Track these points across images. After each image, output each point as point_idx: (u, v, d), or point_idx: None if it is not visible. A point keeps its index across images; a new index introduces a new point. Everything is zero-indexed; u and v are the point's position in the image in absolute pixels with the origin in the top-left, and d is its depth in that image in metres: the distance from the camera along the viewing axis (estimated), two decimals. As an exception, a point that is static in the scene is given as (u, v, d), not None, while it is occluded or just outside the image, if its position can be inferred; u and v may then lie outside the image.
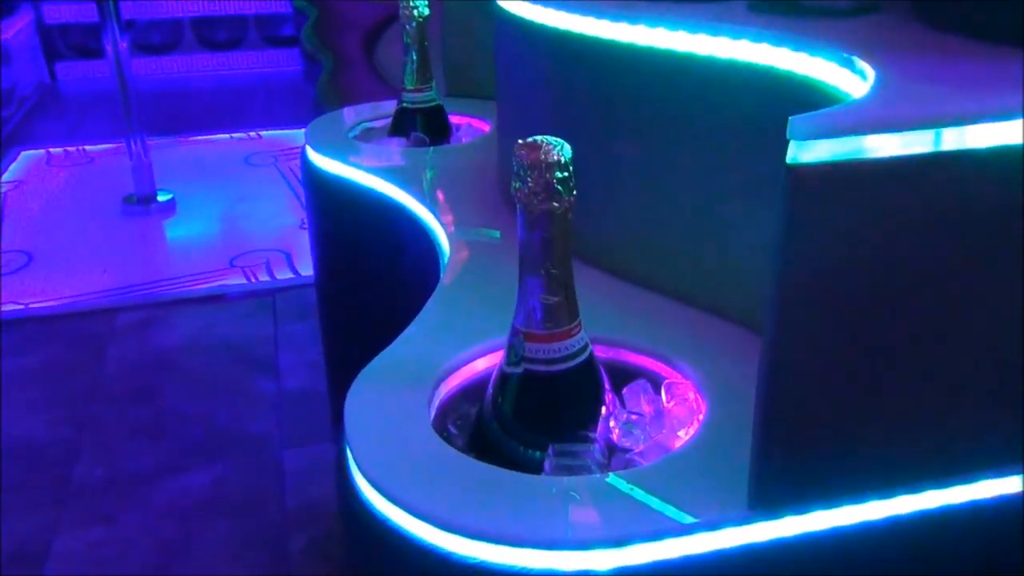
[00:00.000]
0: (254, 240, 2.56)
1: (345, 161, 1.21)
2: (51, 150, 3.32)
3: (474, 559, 0.58)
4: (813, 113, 0.48)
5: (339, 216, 1.25)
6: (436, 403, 0.73)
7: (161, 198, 2.80)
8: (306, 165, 1.28)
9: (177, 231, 2.66)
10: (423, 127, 1.28)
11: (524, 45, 0.94)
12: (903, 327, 0.51)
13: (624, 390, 0.71)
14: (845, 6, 0.73)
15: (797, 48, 0.65)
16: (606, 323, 0.75)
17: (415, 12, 1.24)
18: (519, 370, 0.66)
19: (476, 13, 1.34)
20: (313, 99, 2.08)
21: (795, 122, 0.47)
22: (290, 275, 2.35)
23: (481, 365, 0.76)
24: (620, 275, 0.84)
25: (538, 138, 0.61)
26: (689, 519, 0.57)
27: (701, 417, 0.68)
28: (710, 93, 0.73)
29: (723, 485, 0.60)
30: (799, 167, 0.47)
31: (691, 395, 0.71)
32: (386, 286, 1.20)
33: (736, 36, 0.70)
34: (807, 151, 0.47)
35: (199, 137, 3.42)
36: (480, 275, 0.91)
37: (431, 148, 1.26)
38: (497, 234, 1.02)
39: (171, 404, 1.86)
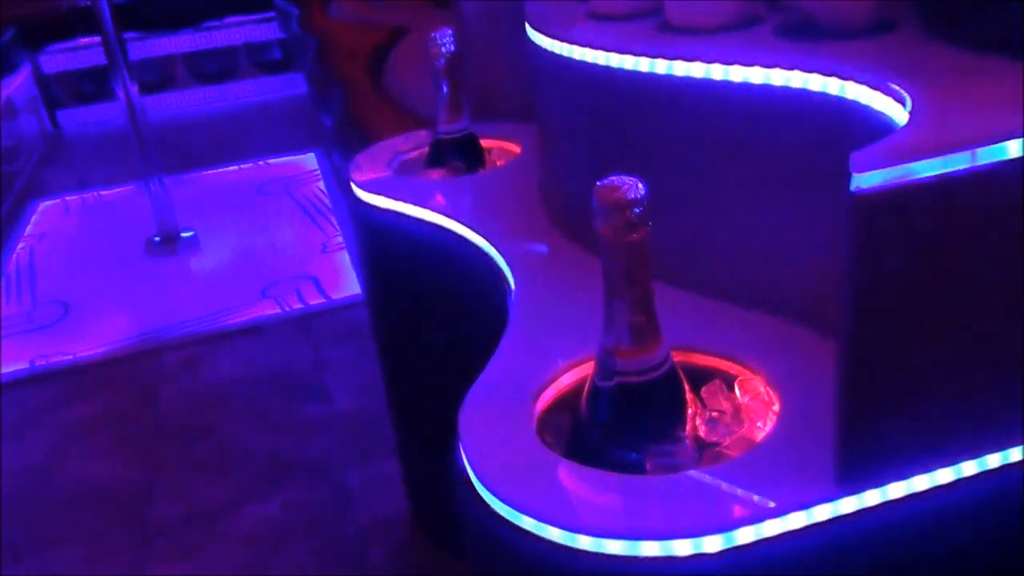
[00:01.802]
0: (280, 269, 2.64)
1: (392, 196, 1.29)
2: (67, 199, 3.40)
3: (599, 553, 0.66)
4: (869, 147, 0.56)
5: (390, 247, 1.33)
6: (534, 416, 0.81)
7: (184, 236, 2.88)
8: (353, 202, 1.35)
9: (204, 267, 2.74)
10: (460, 156, 1.36)
11: (562, 79, 1.02)
12: (959, 320, 0.60)
13: (703, 390, 0.79)
14: (863, 26, 0.81)
15: (829, 72, 0.74)
16: (675, 330, 0.83)
17: (444, 49, 1.32)
18: (612, 383, 0.74)
19: (497, 43, 1.42)
20: (332, 130, 2.15)
21: (856, 157, 0.55)
22: (321, 299, 2.43)
23: (567, 380, 0.85)
24: (681, 285, 0.92)
25: (614, 179, 0.70)
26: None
27: (775, 409, 0.77)
28: (751, 117, 0.81)
29: (807, 469, 0.68)
30: (861, 195, 0.55)
31: (762, 389, 0.79)
32: (442, 308, 1.28)
33: (769, 64, 0.78)
34: (868, 181, 0.55)
35: (209, 171, 3.50)
36: (547, 296, 0.99)
37: (470, 175, 1.34)
38: (545, 248, 1.11)
39: (231, 437, 1.94)
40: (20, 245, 3.01)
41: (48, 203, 3.38)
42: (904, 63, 0.73)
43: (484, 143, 1.45)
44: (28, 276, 2.77)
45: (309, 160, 3.48)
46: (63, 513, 1.77)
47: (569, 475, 0.73)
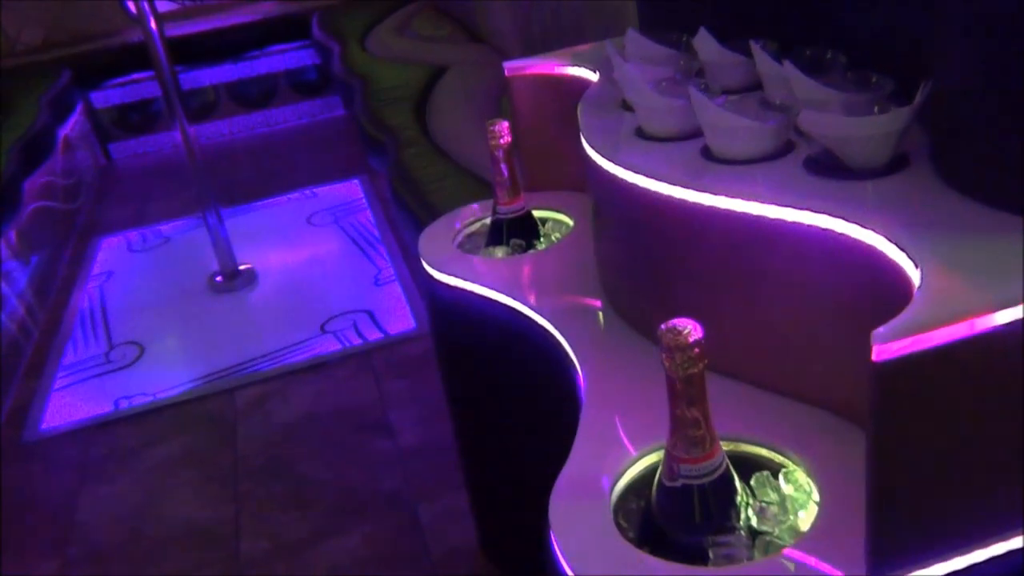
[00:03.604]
0: (336, 302, 2.80)
1: (460, 275, 1.44)
2: (128, 234, 3.58)
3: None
4: (890, 323, 0.70)
5: (459, 320, 1.48)
6: (611, 503, 0.96)
7: (242, 269, 3.04)
8: (424, 278, 1.50)
9: (264, 303, 2.91)
10: (519, 234, 1.51)
11: (613, 192, 1.16)
12: (967, 459, 0.74)
13: (752, 481, 0.94)
14: (882, 165, 0.94)
15: (853, 220, 0.87)
16: (728, 418, 0.97)
17: (501, 141, 1.46)
18: (678, 484, 0.89)
19: (547, 133, 1.56)
20: (389, 183, 2.30)
21: (877, 334, 0.69)
22: (379, 334, 2.59)
23: (638, 470, 0.99)
24: (733, 376, 1.07)
25: (676, 324, 0.84)
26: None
27: (815, 499, 0.91)
28: (786, 246, 0.95)
29: (846, 559, 0.83)
30: (883, 363, 0.69)
31: (804, 480, 0.93)
32: (509, 374, 1.44)
33: (800, 206, 0.92)
34: (888, 350, 0.69)
35: (259, 201, 3.66)
36: (613, 380, 1.13)
37: (529, 252, 1.49)
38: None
39: (306, 473, 2.11)
40: (90, 284, 3.19)
41: (110, 239, 3.56)
42: (917, 212, 0.86)
43: (537, 212, 1.60)
44: (100, 316, 2.96)
45: (354, 187, 3.64)
46: (161, 551, 1.95)
47: (645, 567, 0.87)
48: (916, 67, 0.94)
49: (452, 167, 2.14)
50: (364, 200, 3.51)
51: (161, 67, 2.83)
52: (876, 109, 0.98)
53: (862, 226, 0.86)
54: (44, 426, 2.44)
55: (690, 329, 0.83)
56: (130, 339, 2.80)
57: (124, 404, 2.47)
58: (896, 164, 0.96)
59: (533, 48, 2.77)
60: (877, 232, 0.85)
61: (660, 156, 1.10)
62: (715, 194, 0.99)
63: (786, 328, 1.00)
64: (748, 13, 1.30)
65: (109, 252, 3.45)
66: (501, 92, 2.67)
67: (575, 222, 1.57)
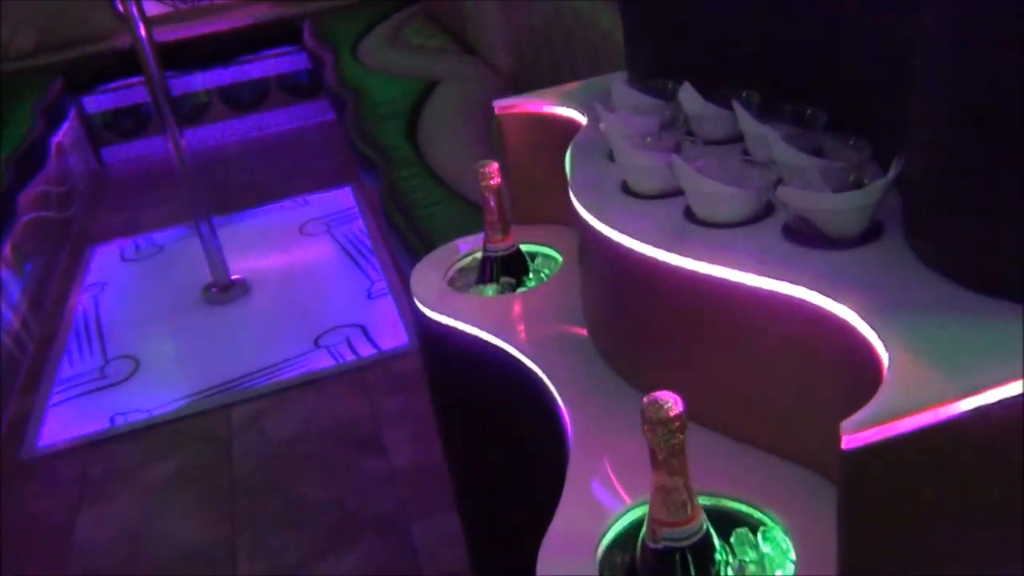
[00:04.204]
0: (330, 316, 2.83)
1: (451, 314, 1.47)
2: (121, 243, 3.60)
3: None
4: (858, 413, 0.74)
5: (449, 356, 1.52)
6: (597, 558, 1.00)
7: (236, 280, 3.07)
8: (415, 313, 1.54)
9: (258, 315, 2.94)
10: (508, 271, 1.54)
11: (598, 246, 1.19)
12: (935, 527, 0.78)
13: (731, 538, 0.98)
14: (856, 234, 0.98)
15: (823, 293, 0.91)
16: (707, 473, 1.01)
17: (491, 182, 1.49)
18: (660, 546, 0.93)
19: (537, 168, 1.59)
20: (381, 205, 2.33)
21: (846, 425, 0.73)
22: (372, 350, 2.62)
23: (625, 523, 1.03)
24: (712, 427, 1.10)
25: (658, 397, 0.87)
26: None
27: (792, 557, 0.95)
28: (760, 309, 0.98)
29: (817, 617, 0.87)
30: (852, 451, 0.73)
31: (782, 538, 0.97)
32: (495, 409, 1.47)
33: (777, 277, 0.95)
34: (856, 440, 0.73)
35: (252, 209, 3.69)
36: (605, 427, 1.17)
37: (519, 291, 1.52)
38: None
39: (301, 493, 2.15)
40: (84, 295, 3.22)
41: (103, 248, 3.58)
42: (889, 288, 0.90)
43: (527, 247, 1.63)
44: (95, 329, 2.98)
45: (346, 195, 3.66)
46: (158, 574, 1.99)
47: (628, 622, 0.91)
48: (894, 131, 0.98)
49: (444, 192, 2.17)
50: (356, 209, 3.54)
51: (151, 74, 2.84)
52: (852, 178, 1.01)
53: (836, 300, 0.90)
54: (41, 443, 2.47)
55: (671, 404, 0.87)
56: (125, 353, 2.83)
57: (120, 421, 2.50)
58: (871, 233, 0.99)
59: (524, 63, 2.79)
60: (850, 308, 0.88)
61: (643, 215, 1.13)
62: (695, 259, 1.02)
63: (765, 388, 1.04)
64: (734, 62, 1.33)
65: (103, 261, 3.48)
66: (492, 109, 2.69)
67: (564, 257, 1.60)
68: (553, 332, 1.40)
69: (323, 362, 2.61)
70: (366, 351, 2.63)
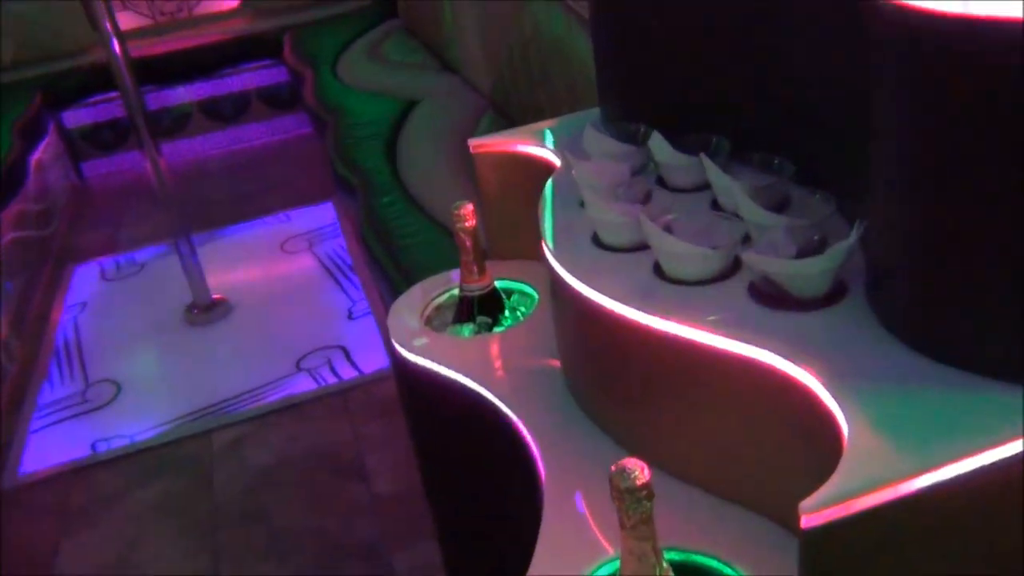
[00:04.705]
0: (311, 337, 2.84)
1: (427, 356, 1.48)
2: (102, 262, 3.59)
3: None
4: (817, 493, 0.76)
5: (426, 395, 1.53)
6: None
7: (217, 300, 3.07)
8: (393, 352, 1.55)
9: (240, 336, 2.94)
10: (484, 311, 1.56)
11: (567, 296, 1.21)
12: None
13: (700, 595, 1.00)
14: (820, 295, 0.99)
15: (787, 358, 0.93)
16: (674, 525, 1.02)
17: (467, 224, 1.50)
18: (631, 606, 0.95)
19: (512, 204, 1.60)
20: (360, 234, 2.34)
21: (805, 505, 0.75)
22: (353, 372, 2.63)
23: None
24: (679, 478, 1.12)
25: (626, 465, 0.89)
26: None
27: (759, 613, 0.97)
28: (729, 373, 1.00)
29: None
30: (811, 530, 0.75)
31: (749, 595, 0.99)
32: (471, 444, 1.49)
33: (743, 340, 0.97)
34: (815, 519, 0.75)
35: (234, 226, 3.68)
36: (580, 472, 1.18)
37: (495, 331, 1.54)
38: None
39: (283, 521, 2.16)
40: (64, 316, 3.21)
41: (84, 268, 3.57)
42: (850, 354, 0.92)
43: (503, 283, 1.64)
44: (76, 351, 2.98)
45: (327, 211, 3.67)
46: (142, 604, 2.00)
47: None
48: (861, 183, 0.99)
49: (423, 220, 2.18)
50: (338, 225, 3.54)
51: (127, 91, 2.83)
52: (816, 237, 1.03)
53: (799, 365, 0.92)
54: (23, 470, 2.47)
55: (638, 472, 0.88)
56: (106, 377, 2.82)
57: (102, 447, 2.50)
58: (836, 293, 1.01)
59: (503, 83, 2.80)
60: (813, 374, 0.90)
61: (613, 270, 1.15)
62: (662, 317, 1.04)
63: (732, 444, 1.05)
64: (704, 108, 1.35)
65: (83, 281, 3.47)
66: (471, 131, 2.71)
67: (540, 294, 1.61)
68: (528, 374, 1.41)
69: (305, 385, 2.61)
70: (347, 373, 2.63)
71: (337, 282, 3.14)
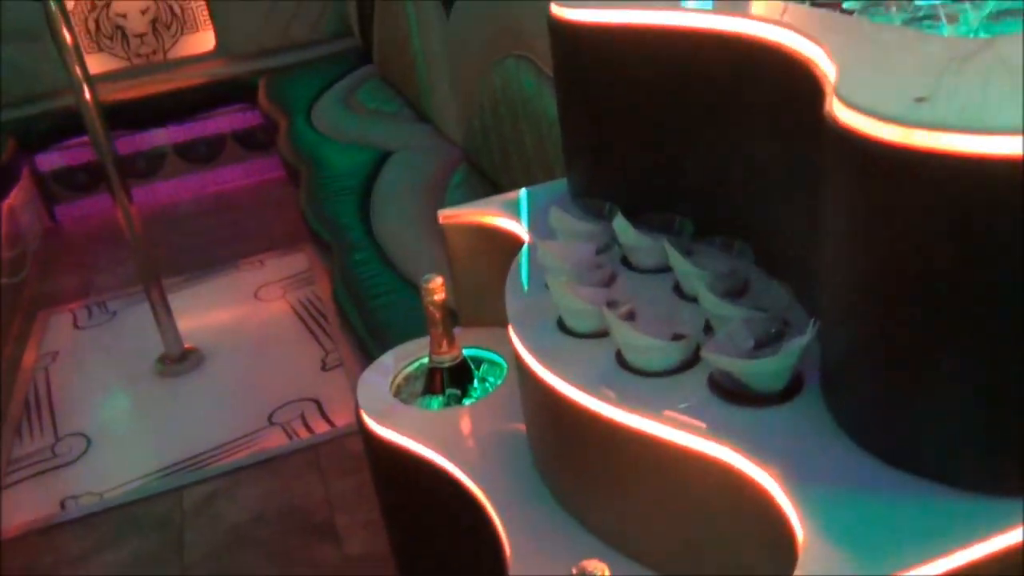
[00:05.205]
0: (284, 390, 2.83)
1: (396, 428, 1.49)
2: (74, 309, 3.57)
3: None
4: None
5: (396, 470, 1.53)
6: None
7: (189, 351, 3.06)
8: (363, 427, 1.56)
9: (212, 387, 2.93)
10: (453, 382, 1.57)
11: (530, 377, 1.22)
12: None
13: None
14: (777, 390, 1.01)
15: (745, 455, 0.94)
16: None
17: (435, 297, 1.52)
18: None
19: (481, 272, 1.62)
20: (332, 292, 2.35)
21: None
22: (326, 427, 2.63)
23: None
24: (641, 562, 1.13)
25: (585, 568, 0.90)
26: None
27: None
28: (688, 467, 1.02)
29: None
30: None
31: None
32: (439, 512, 1.49)
33: (700, 435, 0.99)
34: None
35: (207, 272, 3.67)
36: (543, 559, 1.19)
37: (464, 403, 1.55)
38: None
39: (253, 583, 2.15)
40: (36, 366, 3.19)
41: (56, 315, 3.55)
42: (805, 454, 0.94)
43: (471, 352, 1.65)
44: (47, 403, 2.96)
45: (300, 259, 3.66)
46: (109, 671, 1.97)
47: None
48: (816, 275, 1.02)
49: (397, 281, 2.20)
50: (311, 272, 3.54)
51: (98, 139, 2.84)
52: (774, 330, 1.05)
53: (755, 464, 0.93)
54: (-10, 530, 2.44)
55: (600, 570, 0.90)
56: (76, 430, 2.80)
57: (72, 505, 2.47)
58: (793, 387, 1.03)
59: (474, 136, 2.83)
60: (768, 474, 0.92)
61: (575, 357, 1.16)
62: (622, 409, 1.05)
63: (693, 532, 1.07)
64: (667, 190, 1.38)
65: (54, 329, 3.44)
66: (446, 183, 2.73)
67: (508, 364, 1.62)
68: (495, 449, 1.42)
69: (277, 440, 2.61)
70: (320, 427, 2.63)
71: (310, 330, 3.13)
